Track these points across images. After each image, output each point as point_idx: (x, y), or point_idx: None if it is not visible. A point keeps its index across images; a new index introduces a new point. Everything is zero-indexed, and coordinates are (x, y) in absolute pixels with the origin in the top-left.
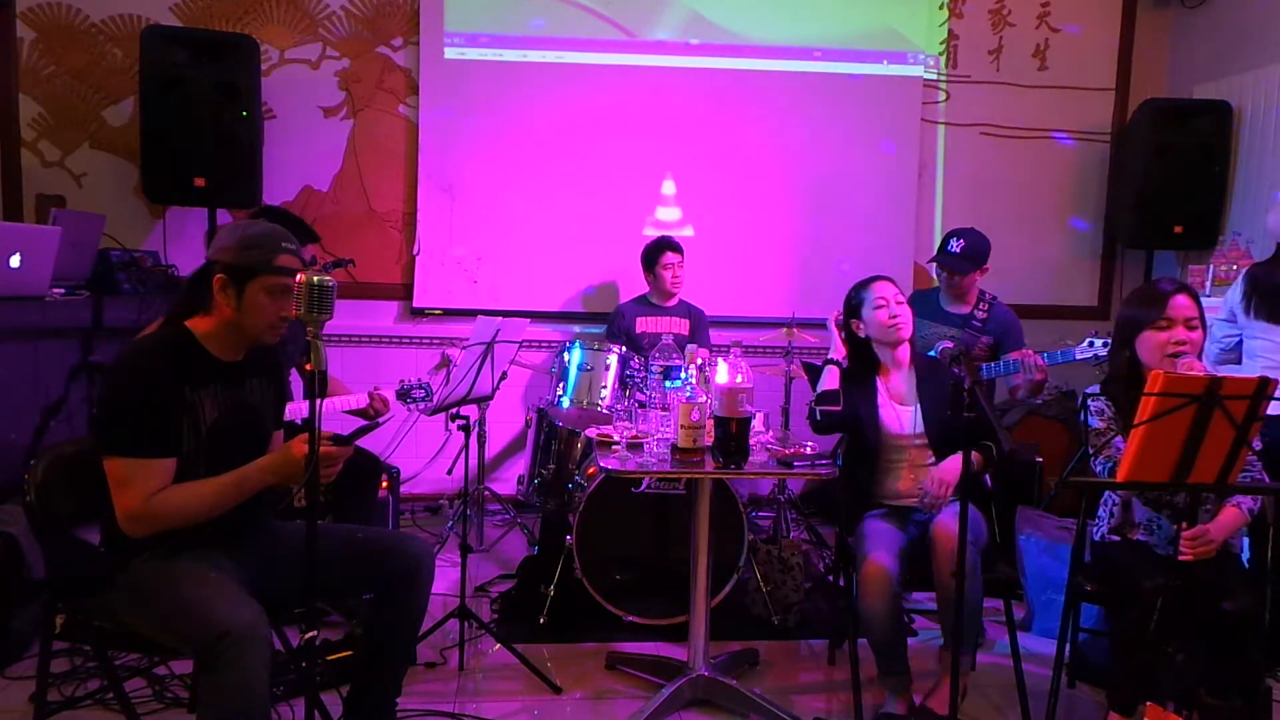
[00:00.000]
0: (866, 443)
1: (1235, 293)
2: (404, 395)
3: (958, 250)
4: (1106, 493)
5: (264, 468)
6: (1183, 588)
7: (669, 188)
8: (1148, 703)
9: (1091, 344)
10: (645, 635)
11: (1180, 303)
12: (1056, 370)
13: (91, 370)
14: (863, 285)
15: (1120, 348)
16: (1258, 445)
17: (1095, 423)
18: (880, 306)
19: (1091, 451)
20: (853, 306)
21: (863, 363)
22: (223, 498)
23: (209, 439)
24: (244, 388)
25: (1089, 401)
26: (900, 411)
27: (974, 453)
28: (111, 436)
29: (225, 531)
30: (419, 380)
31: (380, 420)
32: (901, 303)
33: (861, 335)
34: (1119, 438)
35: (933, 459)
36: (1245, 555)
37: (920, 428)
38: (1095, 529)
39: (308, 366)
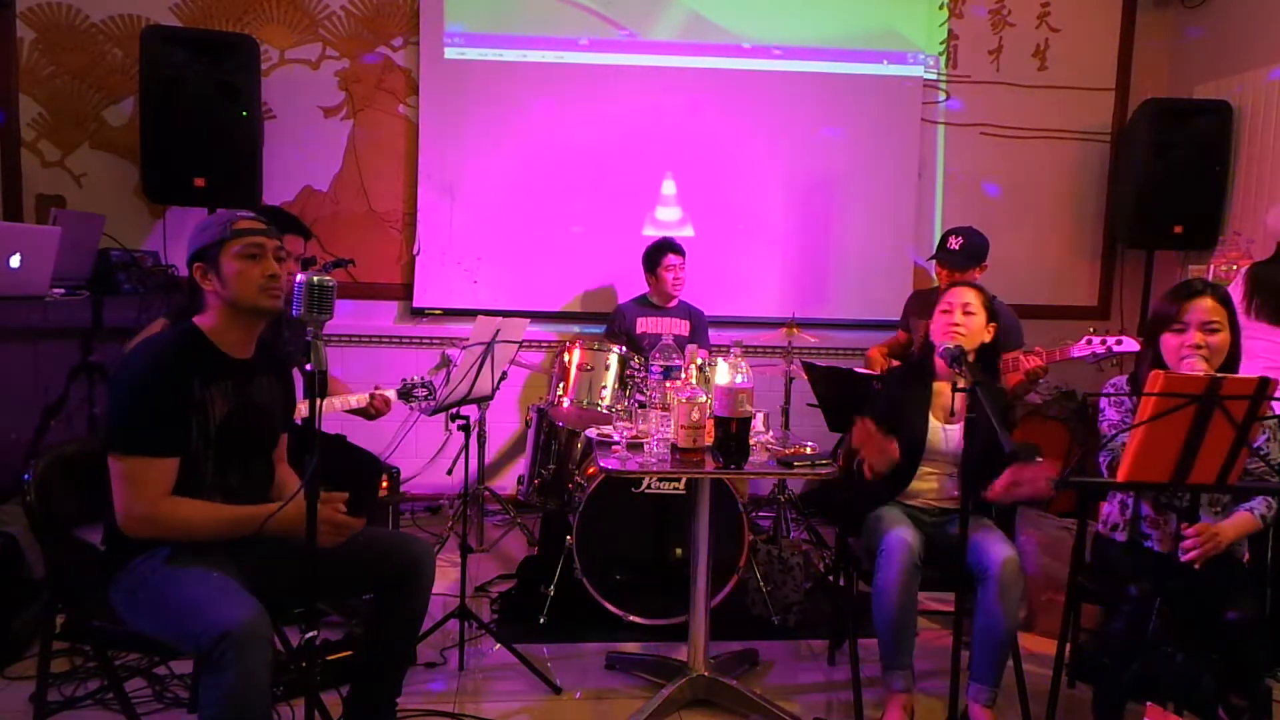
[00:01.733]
0: (906, 451)
1: (1235, 293)
2: (406, 394)
3: (956, 248)
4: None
5: (280, 518)
6: (1182, 589)
7: (669, 188)
8: (1148, 703)
9: (1090, 342)
10: (645, 635)
11: (1197, 306)
12: (1057, 369)
13: (91, 370)
14: (946, 287)
15: (1146, 346)
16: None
17: (1112, 414)
18: (945, 310)
19: (1100, 443)
20: (932, 306)
21: (922, 367)
22: (232, 529)
23: (218, 437)
24: (253, 386)
25: (1107, 387)
26: (945, 429)
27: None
28: (118, 433)
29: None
30: (421, 379)
31: (379, 495)
32: (971, 312)
33: (931, 338)
34: (1124, 434)
35: (953, 474)
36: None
37: (959, 447)
38: (1104, 520)
39: (308, 366)
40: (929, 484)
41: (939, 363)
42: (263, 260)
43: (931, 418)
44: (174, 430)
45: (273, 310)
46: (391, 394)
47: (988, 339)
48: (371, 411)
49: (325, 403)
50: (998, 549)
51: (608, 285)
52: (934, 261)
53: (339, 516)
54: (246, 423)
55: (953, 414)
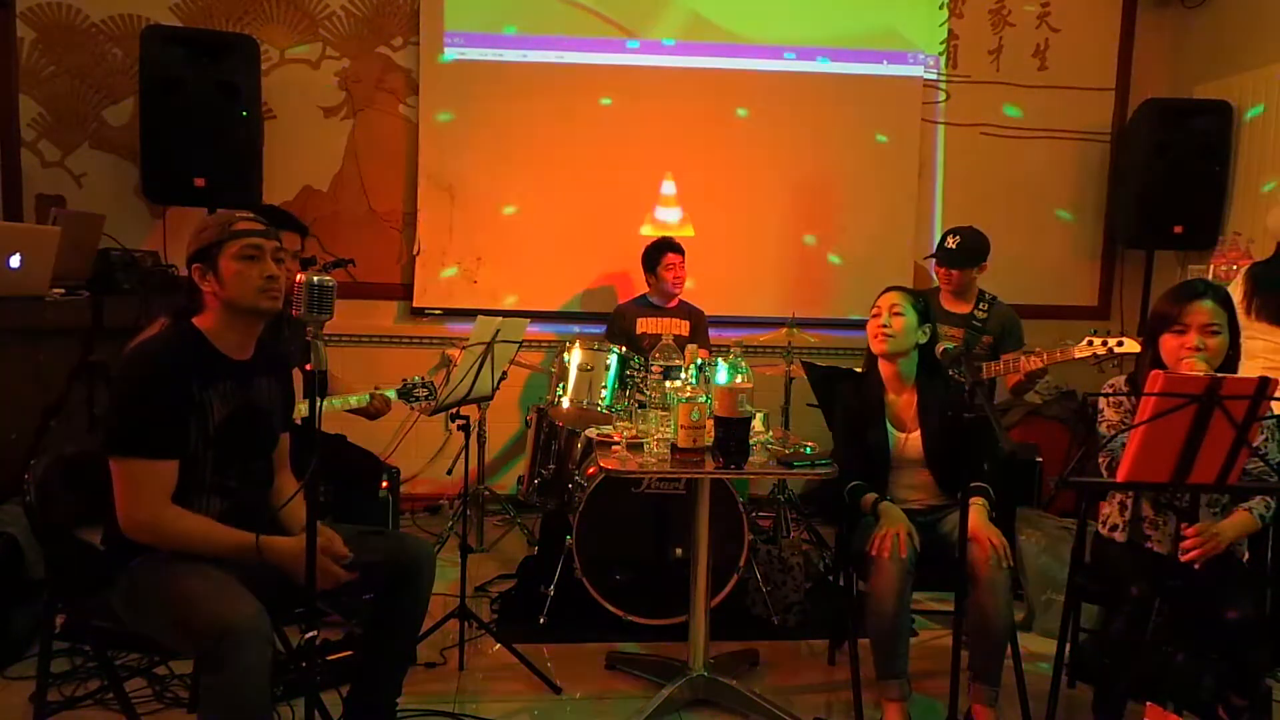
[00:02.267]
0: (873, 464)
1: (1235, 293)
2: (406, 394)
3: (954, 247)
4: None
5: (277, 550)
6: (1182, 589)
7: (669, 188)
8: (1148, 703)
9: (1090, 343)
10: (645, 635)
11: (1199, 308)
12: (1057, 369)
13: (91, 370)
14: (880, 295)
15: (1146, 346)
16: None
17: (1111, 415)
18: (874, 315)
19: (1099, 443)
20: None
21: (872, 379)
22: (232, 554)
23: (217, 438)
24: (253, 387)
25: (1105, 388)
26: (901, 438)
27: (979, 502)
28: (118, 435)
29: None
30: (422, 379)
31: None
32: (899, 314)
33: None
34: (1123, 435)
35: (929, 476)
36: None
37: (921, 453)
38: (1104, 520)
39: (308, 366)
40: (906, 492)
41: (885, 374)
42: (261, 261)
43: (890, 427)
44: (173, 432)
45: (271, 311)
46: (391, 394)
47: (923, 340)
48: (371, 411)
49: (325, 402)
50: (982, 548)
51: (608, 285)
52: (933, 261)
53: (333, 567)
54: (246, 424)
55: (905, 423)
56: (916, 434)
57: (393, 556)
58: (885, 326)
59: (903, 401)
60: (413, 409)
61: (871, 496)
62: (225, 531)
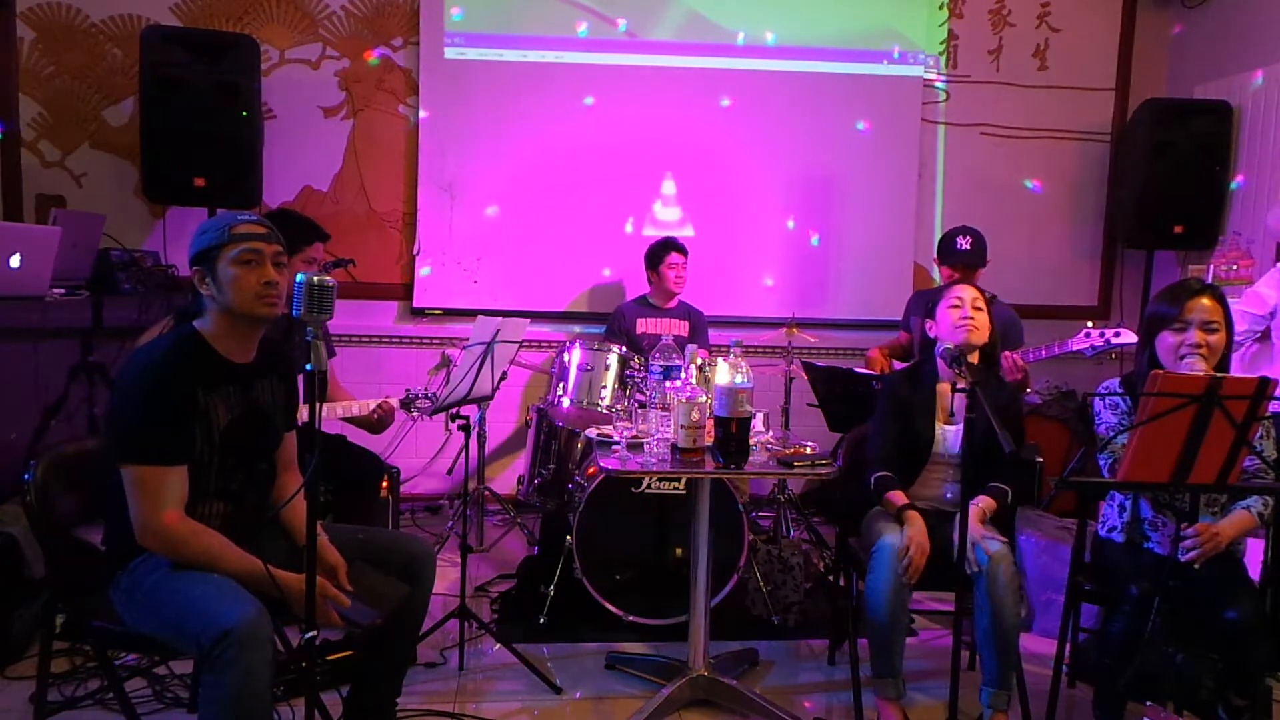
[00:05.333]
0: (913, 454)
1: (1268, 288)
2: (407, 405)
3: (967, 247)
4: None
5: (283, 583)
6: (1182, 589)
7: (669, 188)
8: (1148, 703)
9: (1088, 335)
10: (645, 635)
11: (1199, 305)
12: (1057, 368)
13: (91, 370)
14: (945, 286)
15: (1142, 345)
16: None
17: (1108, 417)
18: (955, 306)
19: (1099, 445)
20: (930, 306)
21: (925, 368)
22: (239, 575)
23: (221, 443)
24: (255, 389)
25: (1099, 387)
26: (945, 429)
27: (988, 499)
28: (128, 443)
29: (226, 532)
30: (425, 390)
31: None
32: (980, 309)
33: (931, 335)
34: (1124, 435)
35: (956, 473)
36: (1246, 558)
37: (957, 448)
38: (1103, 521)
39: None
40: (930, 489)
41: (941, 364)
42: (260, 267)
43: (937, 419)
44: (182, 437)
45: (269, 318)
46: (395, 402)
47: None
48: (373, 419)
49: (326, 409)
50: (987, 545)
51: (608, 285)
52: (945, 264)
53: (330, 614)
54: (250, 428)
55: (952, 415)
56: (958, 429)
57: (393, 557)
58: (970, 319)
59: (951, 393)
60: (413, 416)
61: (900, 499)
62: (236, 555)
